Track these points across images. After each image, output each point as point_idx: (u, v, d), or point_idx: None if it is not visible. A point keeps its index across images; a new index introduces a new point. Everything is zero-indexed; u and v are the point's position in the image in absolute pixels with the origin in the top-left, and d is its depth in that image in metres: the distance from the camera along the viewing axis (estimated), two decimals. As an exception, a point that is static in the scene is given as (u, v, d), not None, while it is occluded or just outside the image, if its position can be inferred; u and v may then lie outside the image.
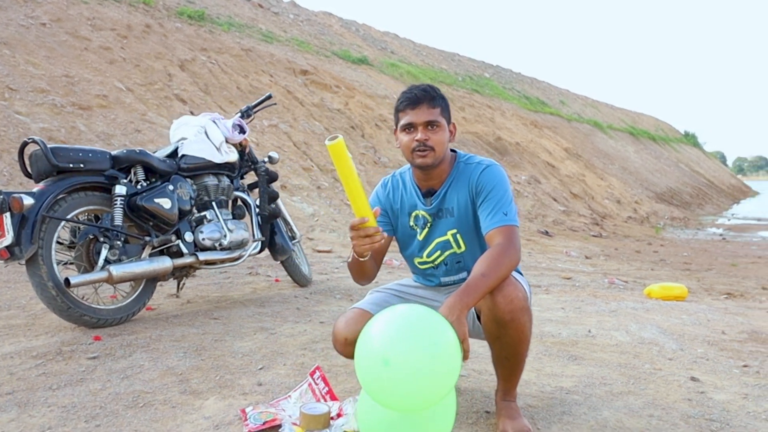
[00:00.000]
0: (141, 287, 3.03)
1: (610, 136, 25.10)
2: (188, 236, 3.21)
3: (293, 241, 3.98)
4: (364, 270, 1.85)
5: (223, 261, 3.38)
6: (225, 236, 3.33)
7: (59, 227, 2.75)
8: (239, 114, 3.74)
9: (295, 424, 1.75)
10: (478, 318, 1.80)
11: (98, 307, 2.84)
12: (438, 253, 1.93)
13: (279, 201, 3.83)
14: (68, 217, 2.76)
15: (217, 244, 3.31)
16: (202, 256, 3.23)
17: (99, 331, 2.75)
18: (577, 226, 11.47)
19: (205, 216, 3.33)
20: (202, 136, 3.39)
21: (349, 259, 1.81)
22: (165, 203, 3.04)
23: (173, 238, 3.15)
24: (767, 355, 2.71)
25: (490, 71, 24.66)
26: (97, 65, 8.03)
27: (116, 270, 2.81)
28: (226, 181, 3.50)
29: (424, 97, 1.81)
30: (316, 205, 7.74)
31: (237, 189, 3.63)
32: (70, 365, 2.32)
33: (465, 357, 1.50)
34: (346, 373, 2.27)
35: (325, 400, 1.86)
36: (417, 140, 1.80)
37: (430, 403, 1.46)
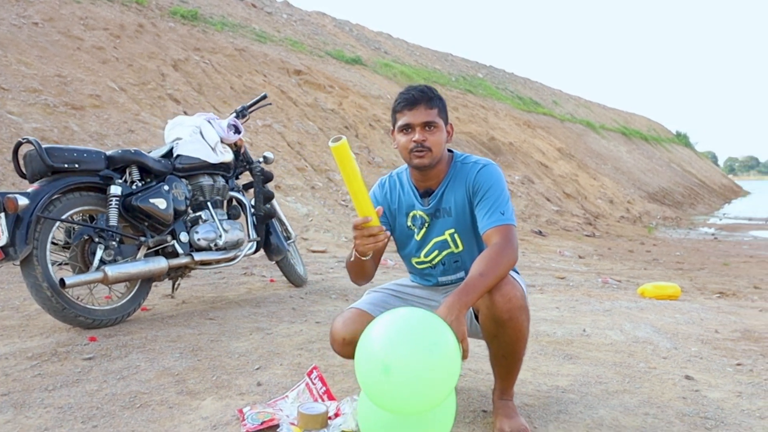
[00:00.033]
0: (136, 288, 3.03)
1: (602, 136, 25.21)
2: (183, 236, 3.20)
3: (288, 242, 3.98)
4: (364, 269, 1.85)
5: (218, 261, 3.38)
6: (220, 236, 3.33)
7: (54, 228, 2.74)
8: (234, 114, 3.73)
9: (292, 424, 1.75)
10: (476, 317, 1.81)
11: (93, 307, 2.84)
12: (436, 252, 1.94)
13: (274, 201, 3.83)
14: (63, 217, 2.75)
15: (212, 245, 3.30)
16: (198, 257, 3.23)
17: (94, 332, 2.74)
18: (570, 226, 11.52)
19: (200, 216, 3.32)
20: (197, 136, 3.38)
21: (351, 259, 1.81)
22: (160, 203, 3.03)
23: (168, 238, 3.15)
24: (760, 353, 2.73)
25: (484, 71, 24.72)
26: (89, 65, 7.99)
27: (111, 270, 2.81)
28: (221, 181, 3.49)
29: (421, 97, 1.81)
30: (310, 205, 7.73)
31: (232, 189, 3.63)
32: (65, 366, 2.31)
33: (464, 356, 1.51)
34: (343, 373, 2.28)
35: (323, 400, 1.86)
36: (414, 141, 1.80)
37: (431, 407, 1.46)
